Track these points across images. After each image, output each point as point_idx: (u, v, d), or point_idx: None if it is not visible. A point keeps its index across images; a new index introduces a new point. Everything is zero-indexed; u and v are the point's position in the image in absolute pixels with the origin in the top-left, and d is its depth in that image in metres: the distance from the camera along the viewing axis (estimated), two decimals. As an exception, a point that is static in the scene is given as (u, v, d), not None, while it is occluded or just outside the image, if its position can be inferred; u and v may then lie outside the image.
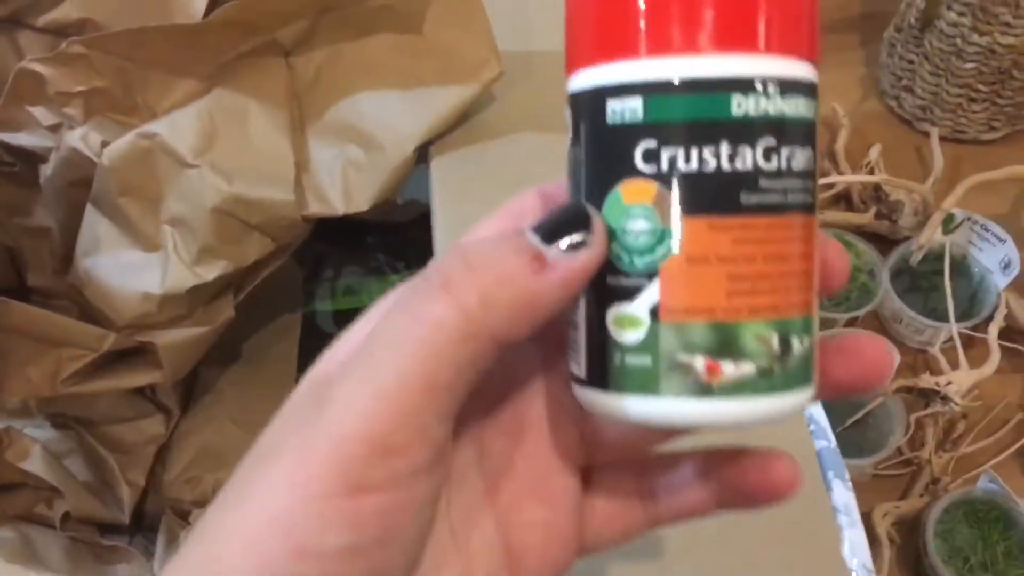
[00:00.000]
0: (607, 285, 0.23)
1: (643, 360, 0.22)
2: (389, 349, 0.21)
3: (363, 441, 0.21)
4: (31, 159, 0.56)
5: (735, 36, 0.21)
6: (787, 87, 0.22)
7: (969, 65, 0.74)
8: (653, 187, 0.22)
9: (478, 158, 0.54)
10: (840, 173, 0.77)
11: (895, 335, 0.71)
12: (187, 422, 0.63)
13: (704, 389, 0.22)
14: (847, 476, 0.45)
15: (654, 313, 0.22)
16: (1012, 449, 0.63)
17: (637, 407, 0.23)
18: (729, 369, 0.22)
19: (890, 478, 0.65)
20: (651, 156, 0.22)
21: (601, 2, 0.23)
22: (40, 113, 0.54)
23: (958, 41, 0.73)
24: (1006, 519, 0.60)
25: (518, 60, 0.55)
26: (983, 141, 0.81)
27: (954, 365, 0.64)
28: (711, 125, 0.21)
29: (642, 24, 0.22)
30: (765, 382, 0.22)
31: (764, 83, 0.21)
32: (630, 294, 0.22)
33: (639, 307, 0.22)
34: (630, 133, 0.22)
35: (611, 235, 0.23)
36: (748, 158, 0.21)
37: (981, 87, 0.76)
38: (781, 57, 0.22)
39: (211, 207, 0.51)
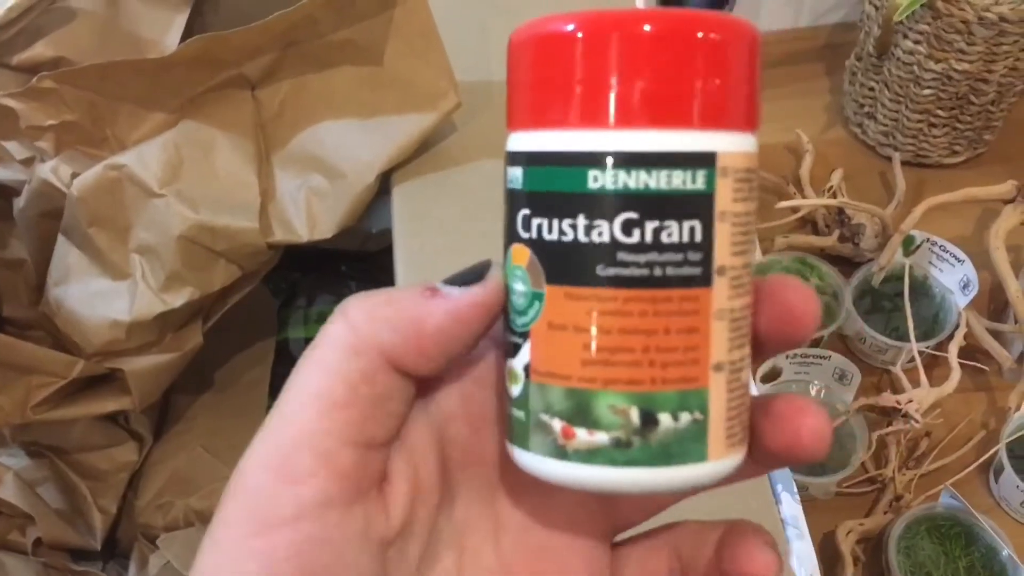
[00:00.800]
0: (506, 340, 0.24)
1: (521, 414, 0.23)
2: (294, 372, 0.22)
3: (267, 469, 0.20)
4: (5, 192, 0.57)
5: (595, 112, 0.22)
6: (655, 161, 0.21)
7: (927, 91, 0.76)
8: (527, 253, 0.23)
9: (438, 185, 0.56)
10: (805, 198, 0.78)
11: (859, 354, 0.72)
12: (159, 449, 0.64)
13: (561, 451, 0.22)
14: (795, 490, 0.45)
15: (527, 371, 0.23)
16: (974, 466, 0.64)
17: (519, 458, 0.23)
18: (582, 435, 0.22)
19: (855, 496, 0.66)
20: (527, 223, 0.23)
21: (511, 75, 0.24)
22: (13, 147, 0.56)
23: (915, 68, 0.75)
24: (968, 535, 0.61)
25: (478, 89, 0.57)
26: (945, 165, 0.83)
27: (916, 384, 0.65)
28: (570, 198, 0.22)
29: (525, 99, 0.23)
30: (621, 454, 0.22)
31: (620, 158, 0.21)
32: (515, 350, 0.23)
33: (518, 363, 0.23)
34: (516, 199, 0.23)
35: (508, 292, 0.24)
36: (605, 231, 0.22)
37: (940, 112, 0.78)
38: (649, 129, 0.21)
39: (177, 235, 0.52)
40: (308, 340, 0.71)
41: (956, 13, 0.70)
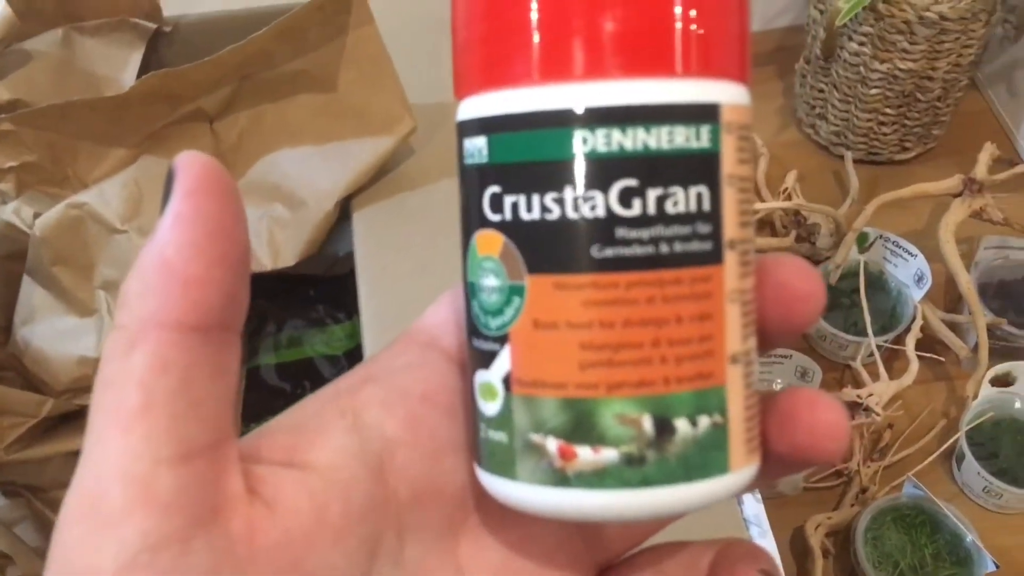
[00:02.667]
0: (473, 348, 0.20)
1: (501, 436, 0.20)
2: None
3: (79, 516, 0.17)
4: (-32, 236, 0.58)
5: (581, 59, 0.18)
6: (654, 116, 0.18)
7: (874, 91, 0.78)
8: (500, 239, 0.19)
9: (399, 208, 0.57)
10: (762, 200, 0.80)
11: (821, 351, 0.74)
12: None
13: (559, 476, 0.19)
14: (759, 495, 0.47)
15: (507, 383, 0.19)
16: (936, 455, 0.65)
17: (500, 489, 0.20)
18: (586, 455, 0.18)
19: (822, 490, 0.67)
20: (497, 203, 0.19)
21: (459, 26, 0.20)
22: (-26, 191, 0.56)
23: (862, 69, 0.77)
24: (932, 523, 0.62)
25: (433, 111, 0.58)
26: (897, 161, 0.85)
27: (876, 378, 0.67)
28: (553, 167, 0.18)
29: (483, 53, 0.19)
30: (635, 472, 0.18)
31: (614, 113, 0.18)
32: (488, 360, 0.20)
33: (494, 375, 0.20)
34: (479, 176, 0.19)
35: (472, 291, 0.20)
36: (599, 204, 0.18)
37: (888, 111, 0.79)
38: (644, 79, 0.18)
39: (141, 271, 0.53)
40: (279, 366, 0.72)
41: (897, 14, 0.72)
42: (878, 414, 0.64)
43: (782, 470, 0.21)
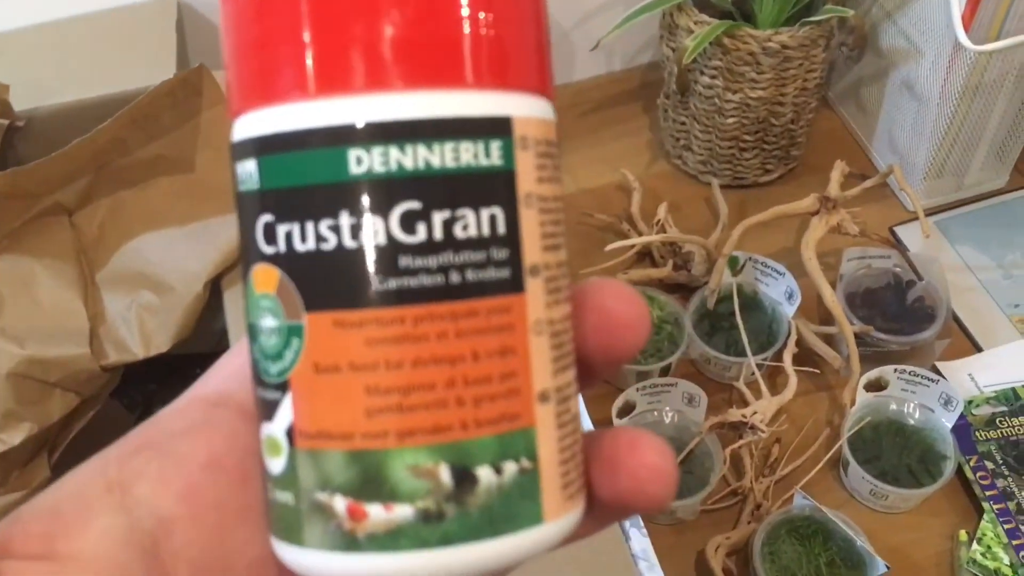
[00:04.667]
0: (257, 396, 0.18)
1: (287, 497, 0.18)
2: None
3: None
4: None
5: (352, 70, 0.16)
6: (436, 131, 0.16)
7: (731, 120, 0.81)
8: (276, 274, 0.17)
9: (270, 282, 0.57)
10: (639, 234, 0.82)
11: (708, 375, 0.76)
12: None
13: (350, 540, 0.17)
14: (642, 524, 0.48)
15: (290, 436, 0.17)
16: (821, 464, 0.68)
17: (289, 557, 0.18)
18: (377, 513, 0.17)
19: (720, 511, 0.69)
20: (270, 234, 0.17)
21: (227, 40, 0.18)
22: None
23: (716, 100, 0.80)
24: (824, 531, 0.64)
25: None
26: (762, 183, 0.88)
27: (759, 396, 0.69)
28: (326, 191, 0.17)
29: (249, 67, 0.17)
30: (433, 530, 0.17)
31: (389, 129, 0.16)
32: (271, 410, 0.18)
33: (277, 428, 0.18)
34: (252, 203, 0.18)
35: (252, 334, 0.18)
36: (380, 231, 0.16)
37: (747, 137, 0.83)
38: (425, 91, 0.17)
39: (7, 372, 0.52)
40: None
41: (742, 47, 0.75)
42: (763, 431, 0.66)
43: (611, 515, 0.20)
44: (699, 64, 0.79)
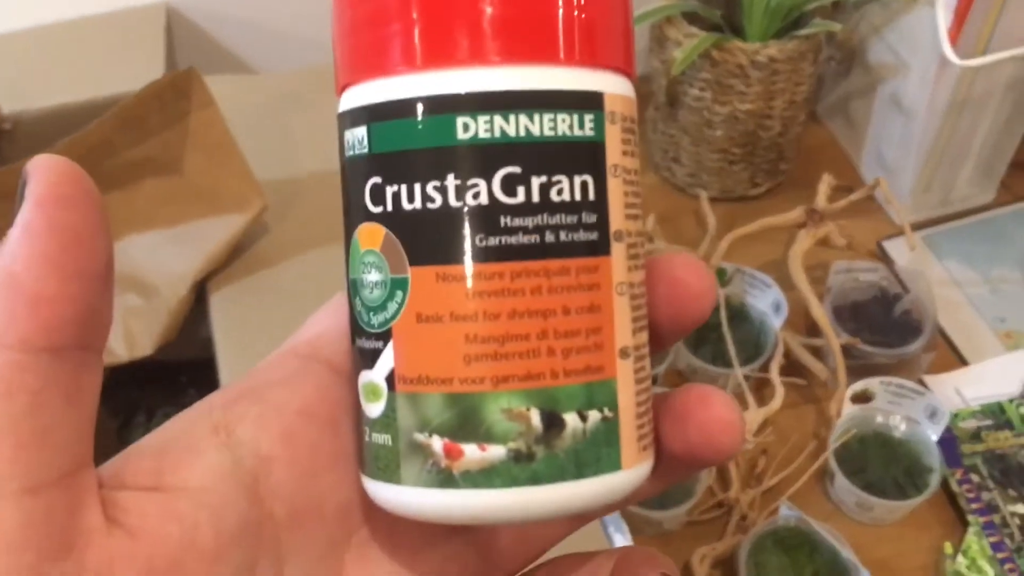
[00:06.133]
0: (357, 348, 0.20)
1: (385, 439, 0.19)
2: None
3: None
4: None
5: (461, 45, 0.18)
6: (536, 102, 0.18)
7: (719, 132, 0.82)
8: (381, 231, 0.19)
9: (256, 287, 0.57)
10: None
11: (696, 387, 0.76)
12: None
13: (446, 477, 0.18)
14: (626, 529, 0.48)
15: (390, 381, 0.19)
16: (807, 475, 0.68)
17: (385, 495, 0.19)
18: (472, 453, 0.18)
19: (705, 523, 0.69)
20: (378, 195, 0.19)
21: (339, 18, 0.20)
22: None
23: (705, 113, 0.81)
24: (810, 543, 0.64)
25: (285, 187, 0.59)
26: (751, 196, 0.89)
27: (746, 407, 0.69)
28: (434, 154, 0.18)
29: (362, 41, 0.19)
30: (523, 470, 0.18)
31: (495, 99, 0.18)
32: (372, 358, 0.19)
33: (378, 374, 0.19)
34: (361, 167, 0.19)
35: (355, 289, 0.20)
36: (483, 192, 0.18)
37: (735, 150, 0.83)
38: (527, 65, 0.18)
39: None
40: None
41: (730, 60, 0.76)
42: (748, 441, 0.66)
43: (677, 471, 0.21)
44: (688, 76, 0.79)
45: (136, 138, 0.55)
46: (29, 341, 0.16)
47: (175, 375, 0.75)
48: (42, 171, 0.17)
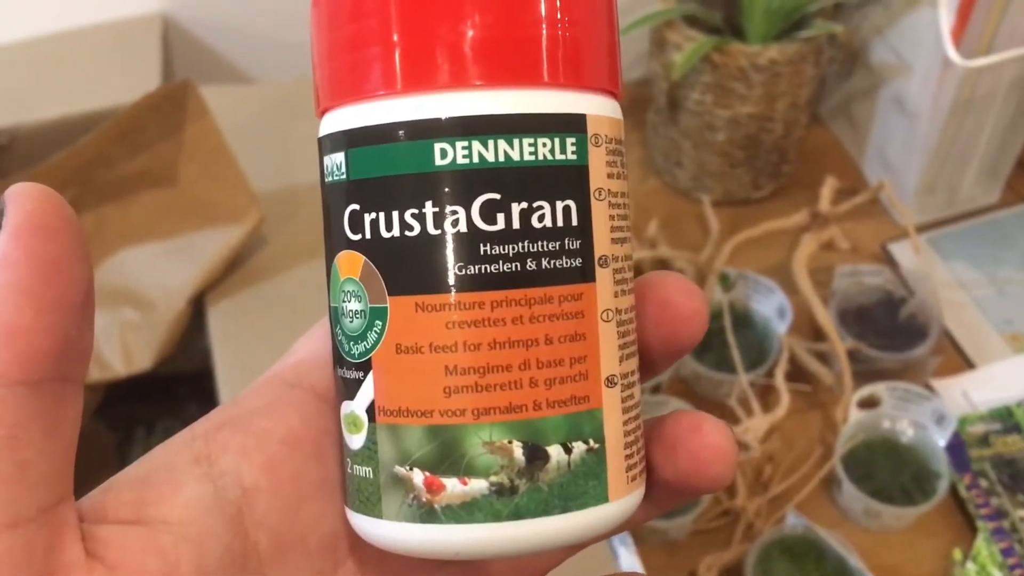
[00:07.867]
0: (338, 377, 0.20)
1: (366, 471, 0.19)
2: None
3: None
4: None
5: (437, 69, 0.18)
6: (515, 126, 0.18)
7: (721, 136, 0.81)
8: (360, 260, 0.18)
9: (254, 300, 0.56)
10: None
11: (701, 393, 0.75)
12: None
13: (427, 512, 0.18)
14: (630, 541, 0.47)
15: (371, 413, 0.19)
16: (814, 482, 0.67)
17: (367, 528, 0.19)
18: (454, 487, 0.18)
19: (711, 531, 0.68)
20: (357, 222, 0.18)
21: (316, 41, 0.19)
22: None
23: (706, 116, 0.80)
24: (817, 551, 0.63)
25: (283, 197, 0.58)
26: (753, 200, 0.88)
27: (751, 413, 0.68)
28: (412, 181, 0.18)
29: (339, 65, 0.19)
30: (506, 504, 0.18)
31: (472, 124, 0.17)
32: (353, 389, 0.19)
33: (359, 405, 0.19)
34: (340, 194, 0.19)
35: (335, 317, 0.19)
36: (462, 220, 0.18)
37: (737, 153, 0.83)
38: (506, 89, 0.18)
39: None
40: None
41: (731, 63, 0.75)
42: (754, 448, 0.65)
43: (670, 499, 0.21)
44: (689, 80, 0.78)
45: (131, 151, 0.54)
46: (5, 374, 0.16)
47: (174, 388, 0.75)
48: (19, 200, 0.16)
